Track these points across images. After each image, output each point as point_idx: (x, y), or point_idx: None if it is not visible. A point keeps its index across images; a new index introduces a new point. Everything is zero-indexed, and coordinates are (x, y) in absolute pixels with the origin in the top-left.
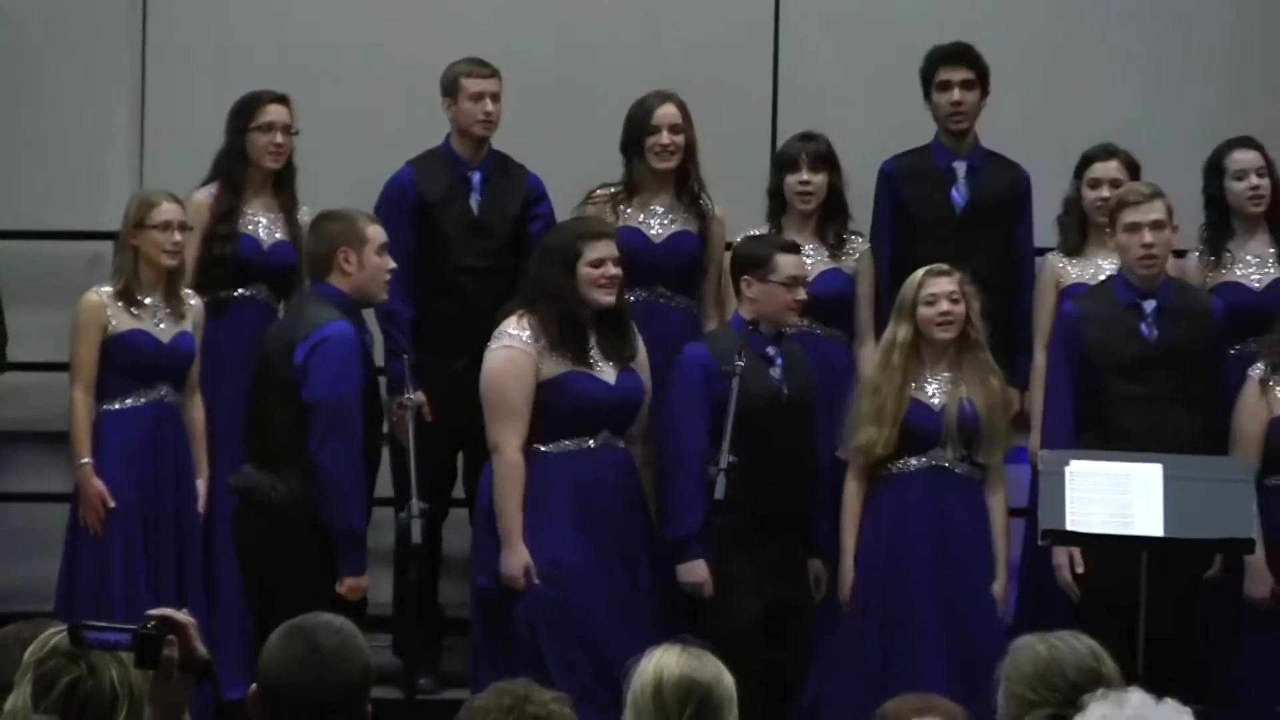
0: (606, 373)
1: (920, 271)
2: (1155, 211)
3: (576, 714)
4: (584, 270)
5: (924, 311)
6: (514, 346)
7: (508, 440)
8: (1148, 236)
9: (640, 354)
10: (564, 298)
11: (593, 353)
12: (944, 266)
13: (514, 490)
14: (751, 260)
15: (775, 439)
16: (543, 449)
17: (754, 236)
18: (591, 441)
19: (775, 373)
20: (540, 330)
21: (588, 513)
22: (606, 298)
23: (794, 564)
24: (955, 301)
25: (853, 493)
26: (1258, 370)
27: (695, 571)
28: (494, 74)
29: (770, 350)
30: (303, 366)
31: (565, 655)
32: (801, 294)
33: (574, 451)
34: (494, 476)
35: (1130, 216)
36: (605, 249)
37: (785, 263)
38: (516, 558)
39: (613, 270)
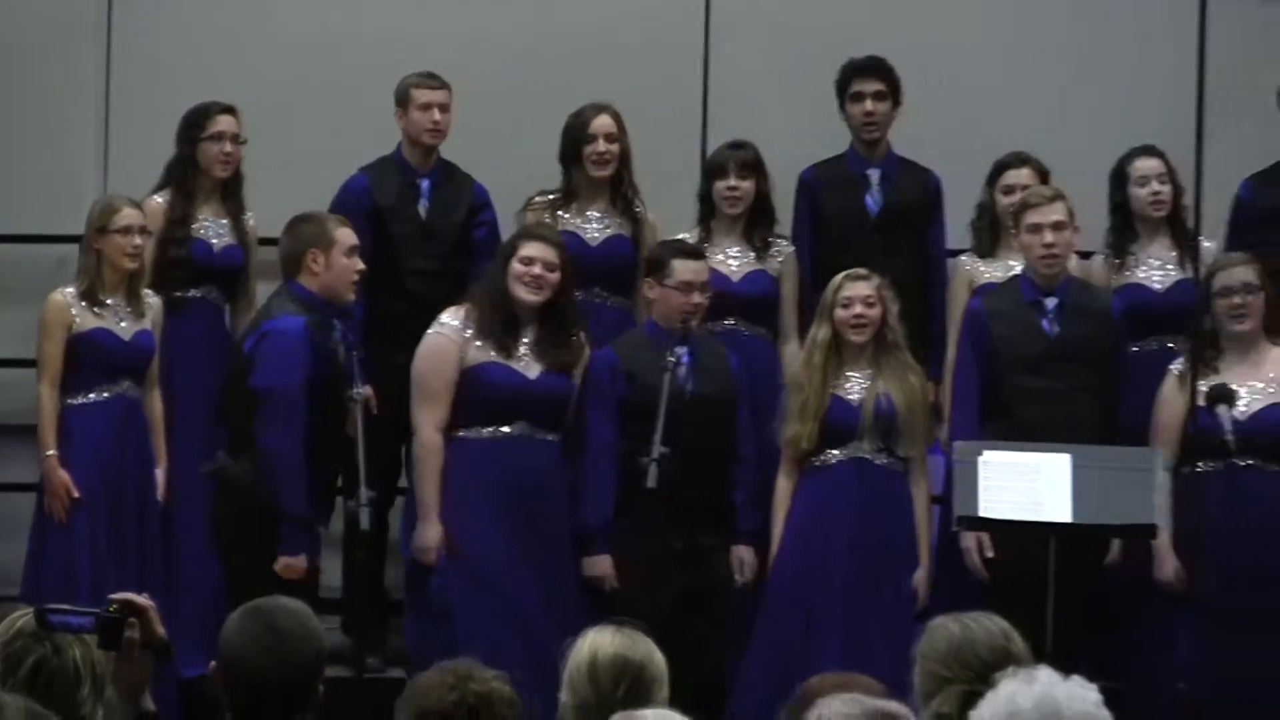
0: (530, 368)
1: (840, 275)
2: (1056, 213)
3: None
4: (514, 266)
5: (840, 314)
6: (441, 333)
7: (425, 421)
8: (1049, 237)
9: (582, 361)
10: (494, 290)
11: (522, 347)
12: (862, 271)
13: (429, 469)
14: (653, 264)
15: (679, 433)
16: (461, 434)
17: (663, 242)
18: (507, 429)
19: (681, 371)
20: (471, 319)
21: (499, 497)
22: (528, 295)
23: (703, 550)
24: (870, 305)
25: (782, 484)
26: (1178, 365)
27: (598, 565)
28: (443, 86)
29: (678, 349)
30: (249, 356)
31: (472, 627)
32: (696, 298)
33: (490, 438)
34: (413, 456)
35: (1032, 218)
36: (537, 250)
37: (680, 268)
38: (429, 533)
39: (539, 270)
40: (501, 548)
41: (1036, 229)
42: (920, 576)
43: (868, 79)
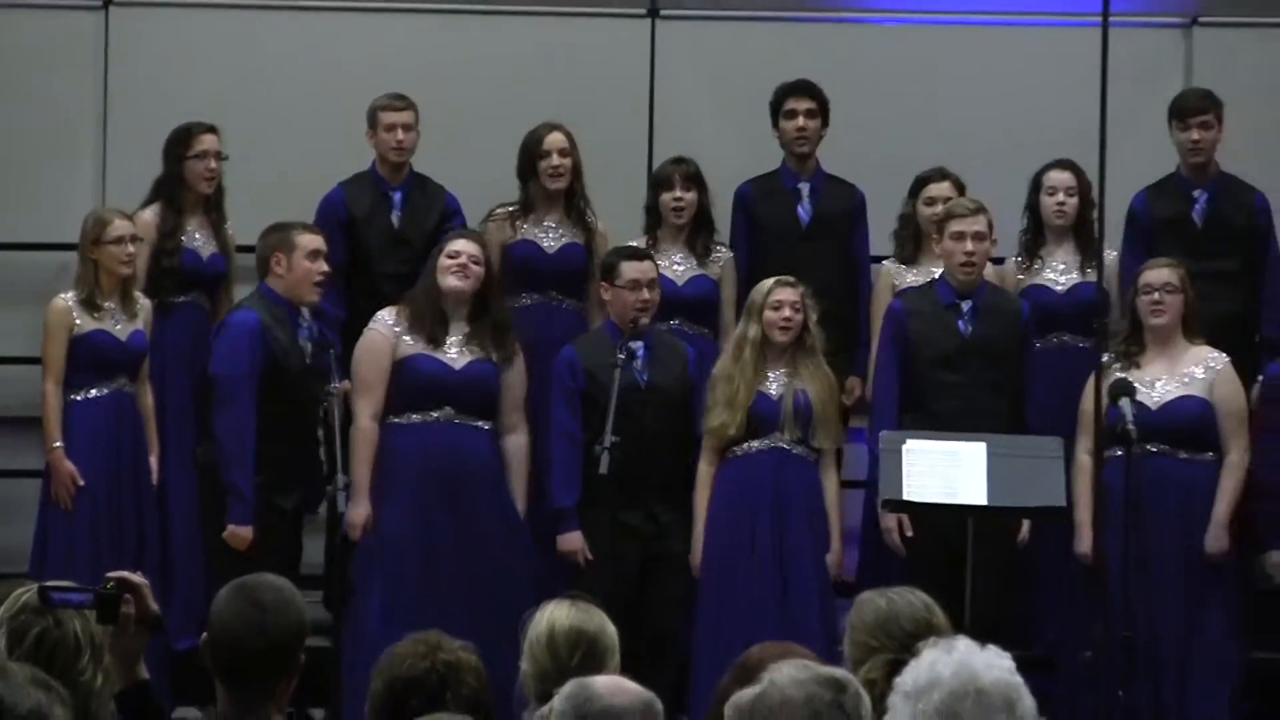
0: (458, 359)
1: (770, 280)
2: (978, 224)
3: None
4: (441, 260)
5: (769, 315)
6: (375, 329)
7: (361, 410)
8: (970, 245)
9: (514, 357)
10: (425, 288)
11: (451, 341)
12: (791, 279)
13: (363, 453)
14: (604, 268)
15: (635, 420)
16: (392, 419)
17: (613, 248)
18: (435, 414)
19: (636, 364)
20: (403, 317)
21: (425, 478)
22: (456, 282)
23: (658, 524)
24: (796, 310)
25: (704, 470)
26: (1106, 359)
27: (569, 541)
28: (408, 107)
29: (630, 345)
30: (210, 347)
31: (382, 597)
32: (645, 295)
33: (418, 424)
34: (350, 441)
35: (956, 226)
36: (462, 244)
37: (627, 268)
38: (358, 511)
39: (465, 260)
40: (416, 527)
41: (960, 237)
42: (832, 558)
43: (800, 98)
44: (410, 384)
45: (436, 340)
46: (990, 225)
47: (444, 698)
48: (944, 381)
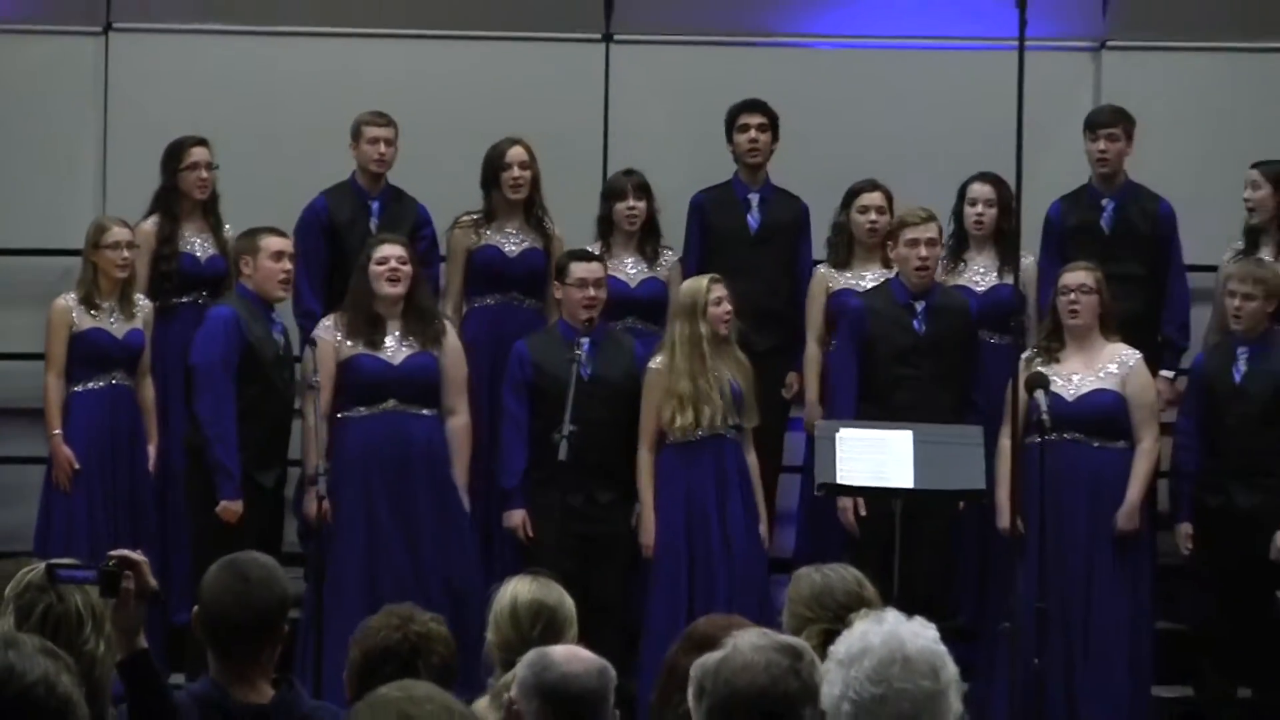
0: (396, 355)
1: (704, 280)
2: (930, 231)
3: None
4: (372, 268)
5: (714, 311)
6: (320, 336)
7: (311, 408)
8: (923, 251)
9: (446, 340)
10: (359, 294)
11: (388, 339)
12: (719, 277)
13: (312, 447)
14: (556, 269)
15: (580, 410)
16: (341, 415)
17: (565, 251)
18: (381, 407)
19: (582, 358)
20: (341, 323)
21: (373, 465)
22: (390, 288)
23: (598, 506)
24: (730, 305)
25: (646, 456)
26: (1027, 355)
27: (513, 518)
28: (389, 123)
29: (581, 341)
30: (192, 340)
31: (335, 576)
32: (592, 292)
33: (363, 416)
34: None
35: (910, 234)
36: (388, 249)
37: (576, 268)
38: (310, 500)
39: (394, 264)
40: (367, 511)
41: (914, 243)
42: (763, 528)
43: (753, 114)
44: (355, 382)
45: (375, 342)
46: (940, 231)
47: (416, 665)
48: (899, 375)
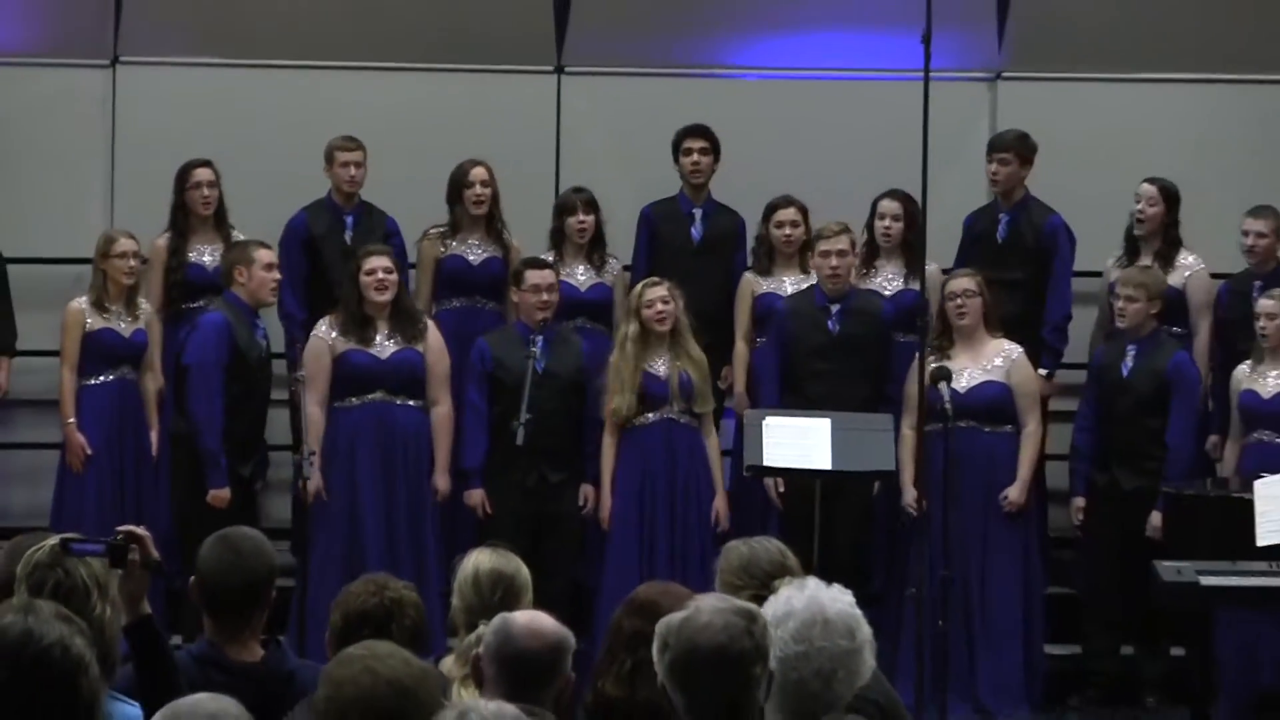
0: (383, 350)
1: (640, 284)
2: (841, 243)
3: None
4: (362, 279)
5: (646, 312)
6: (316, 335)
7: (309, 400)
8: (834, 261)
9: (428, 338)
10: (350, 300)
11: (378, 336)
12: (657, 280)
13: (313, 431)
14: (513, 275)
15: (534, 401)
16: (336, 405)
17: (522, 259)
18: (370, 397)
19: (537, 354)
20: (336, 324)
21: (362, 449)
22: (380, 296)
23: (550, 485)
24: (666, 303)
25: (608, 441)
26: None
27: (472, 497)
28: (358, 147)
29: (536, 339)
30: (182, 341)
31: (322, 548)
32: (545, 297)
33: (356, 406)
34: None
35: (824, 246)
36: (376, 261)
37: (530, 276)
38: (313, 481)
39: (381, 275)
40: (355, 490)
41: (826, 254)
42: (720, 504)
43: (696, 138)
44: (347, 375)
45: (366, 339)
46: (852, 243)
47: (389, 628)
48: (815, 370)
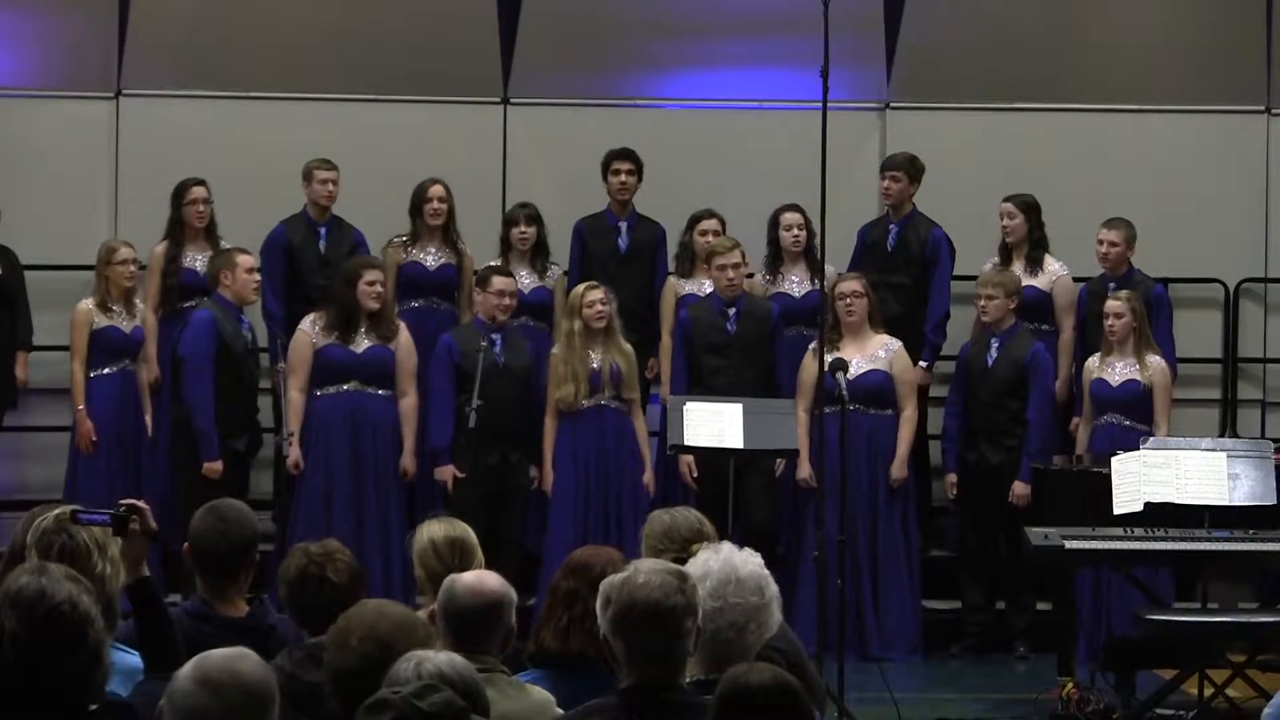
0: (359, 345)
1: (581, 286)
2: (734, 258)
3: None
4: (361, 286)
5: (586, 311)
6: (301, 329)
7: (291, 385)
8: (730, 274)
9: (399, 337)
10: (345, 302)
11: (359, 334)
12: (596, 283)
13: (294, 412)
14: (479, 279)
15: (494, 389)
16: (316, 392)
17: (487, 266)
18: (345, 387)
19: (496, 349)
20: (320, 321)
21: (334, 432)
22: (373, 304)
23: (508, 463)
24: (604, 304)
25: (550, 424)
26: (814, 345)
27: (442, 473)
28: (333, 167)
29: (494, 336)
30: (177, 336)
31: (300, 518)
32: (506, 300)
33: (332, 394)
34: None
35: (719, 260)
36: (375, 274)
37: (496, 281)
38: (291, 455)
39: (379, 289)
40: (329, 468)
41: (722, 268)
42: (648, 478)
43: (623, 160)
44: (325, 366)
45: (346, 337)
46: (743, 256)
47: (327, 575)
48: (715, 365)
